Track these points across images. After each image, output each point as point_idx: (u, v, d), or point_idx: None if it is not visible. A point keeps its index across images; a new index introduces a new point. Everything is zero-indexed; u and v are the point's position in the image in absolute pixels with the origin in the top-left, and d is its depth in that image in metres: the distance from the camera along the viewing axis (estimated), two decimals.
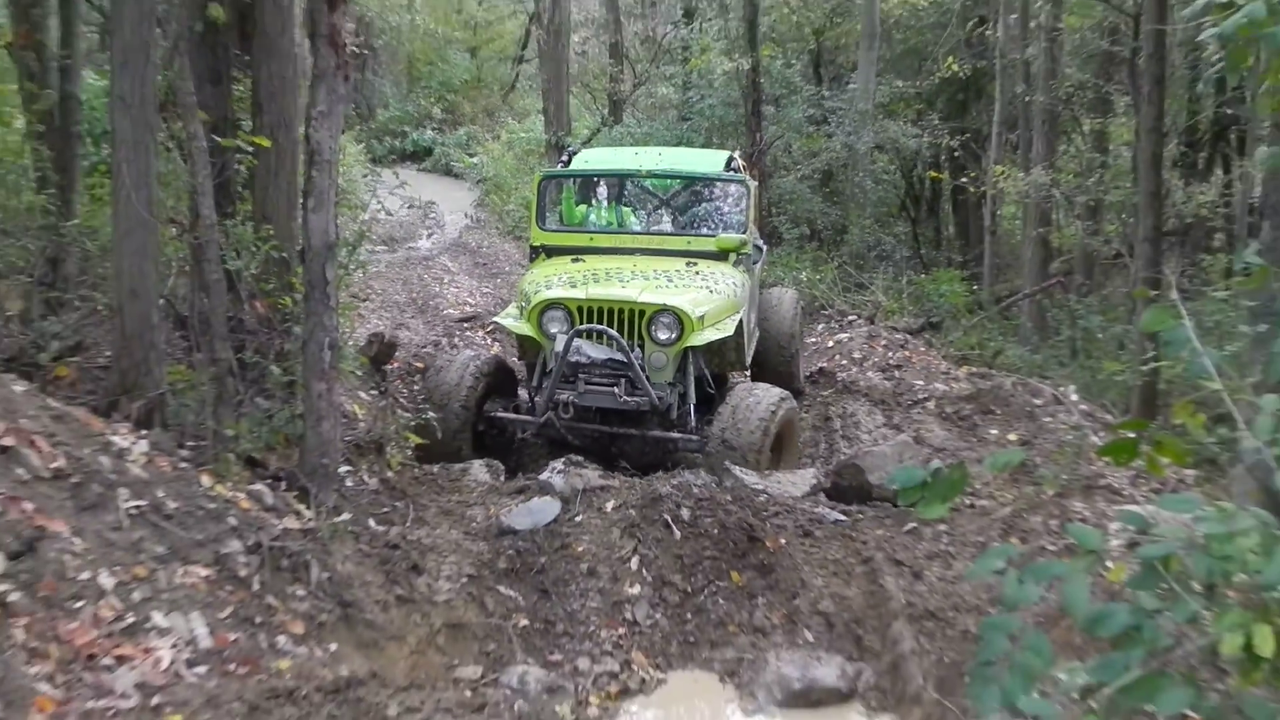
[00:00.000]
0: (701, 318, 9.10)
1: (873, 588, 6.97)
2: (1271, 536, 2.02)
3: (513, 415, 9.42)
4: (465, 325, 14.52)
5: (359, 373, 10.10)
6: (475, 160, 30.02)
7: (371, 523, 6.93)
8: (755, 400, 8.76)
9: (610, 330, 8.93)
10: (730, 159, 11.32)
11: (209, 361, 6.71)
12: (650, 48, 26.26)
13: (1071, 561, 2.27)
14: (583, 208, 11.03)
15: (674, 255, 10.17)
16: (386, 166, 26.02)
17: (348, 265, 9.06)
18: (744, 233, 10.38)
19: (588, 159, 11.81)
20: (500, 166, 27.25)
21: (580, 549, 7.07)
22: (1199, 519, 2.16)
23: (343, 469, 7.14)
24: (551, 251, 10.50)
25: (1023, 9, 17.38)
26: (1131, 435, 2.40)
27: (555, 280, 9.52)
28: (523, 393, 9.96)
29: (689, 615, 6.73)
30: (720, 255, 10.15)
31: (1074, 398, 11.59)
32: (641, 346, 8.99)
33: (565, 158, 11.76)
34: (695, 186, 11.31)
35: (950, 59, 19.55)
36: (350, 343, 10.26)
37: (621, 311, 9.00)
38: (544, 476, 7.92)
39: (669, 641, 6.54)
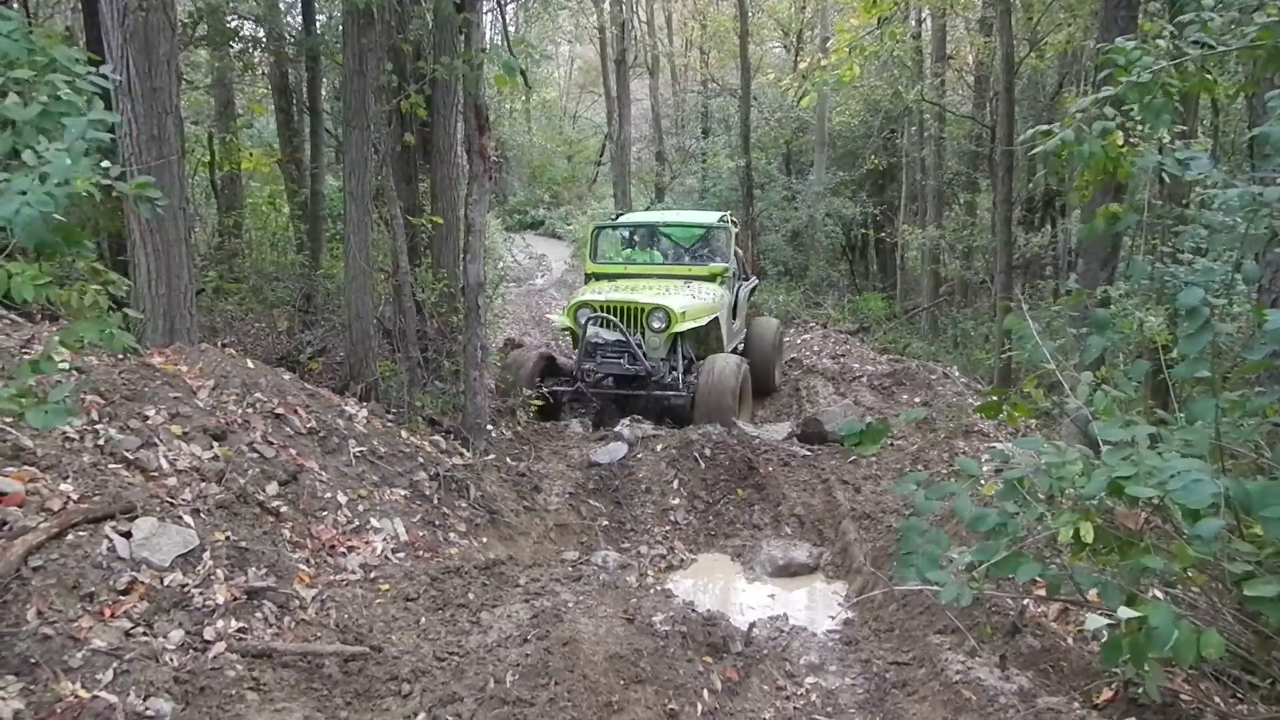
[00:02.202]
0: (684, 313, 8.82)
1: (829, 498, 6.88)
2: (1089, 465, 1.95)
3: (559, 387, 8.97)
4: (564, 333, 14.40)
5: (499, 364, 10.08)
6: (571, 227, 29.95)
7: (508, 460, 6.91)
8: (725, 364, 8.55)
9: (613, 319, 8.71)
10: (723, 215, 10.85)
11: (405, 358, 6.72)
12: (681, 154, 26.10)
13: (958, 483, 2.21)
14: (627, 252, 10.66)
15: (679, 279, 9.73)
16: (515, 233, 26.08)
17: (492, 297, 9.04)
18: (726, 262, 9.94)
19: (629, 218, 11.45)
20: (586, 230, 27.11)
21: (641, 475, 7.02)
22: (1042, 453, 2.10)
23: (489, 426, 7.11)
24: (600, 277, 10.05)
25: (919, 124, 17.11)
26: (995, 399, 2.35)
27: (588, 290, 9.37)
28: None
29: (710, 517, 6.68)
30: (710, 278, 9.75)
31: (956, 374, 11.40)
32: (642, 333, 8.76)
33: (614, 216, 11.44)
34: (698, 232, 10.66)
35: (873, 157, 19.27)
36: (493, 345, 10.28)
37: (628, 309, 8.79)
38: (617, 429, 7.87)
39: (698, 534, 6.50)
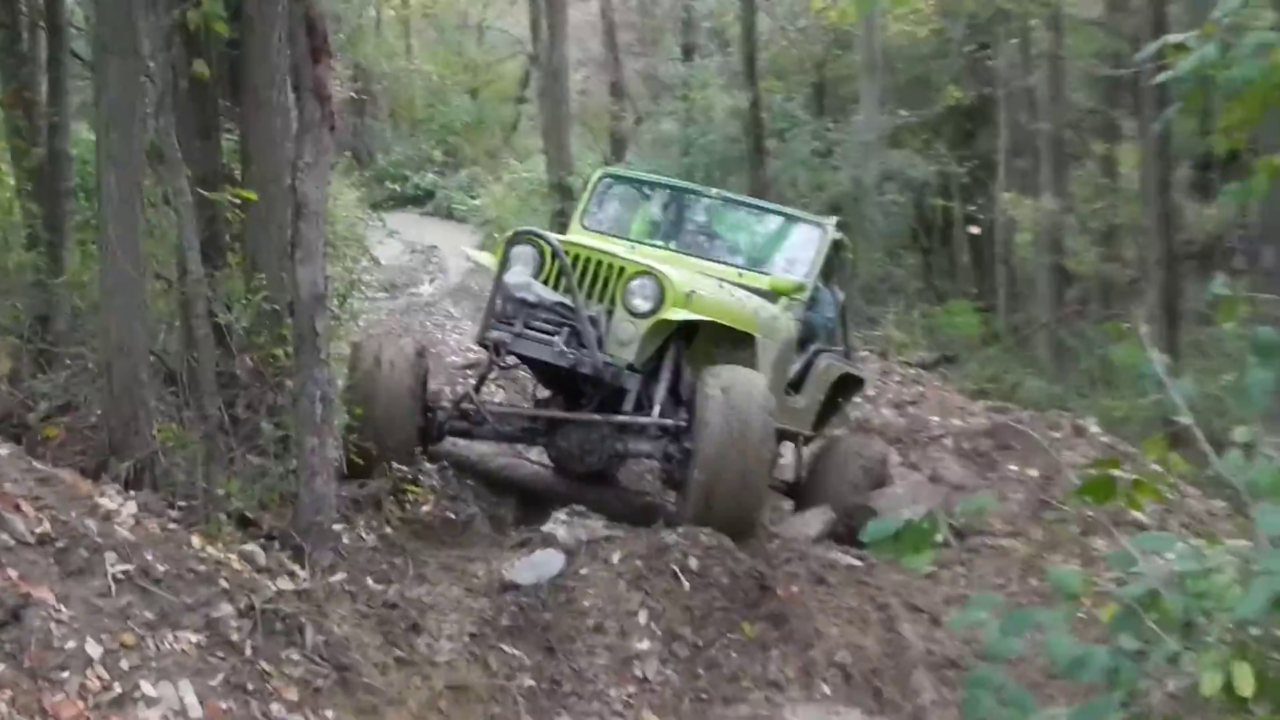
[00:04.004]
0: (690, 296, 8.09)
1: (890, 635, 6.95)
2: (1248, 572, 2.02)
3: (441, 404, 8.85)
4: (468, 371, 14.31)
5: (344, 390, 10.03)
6: (477, 202, 30.18)
7: (369, 581, 6.88)
8: (747, 383, 7.75)
9: (547, 235, 8.48)
10: (827, 219, 10.37)
11: (198, 418, 6.73)
12: (651, 85, 26.45)
13: (1052, 609, 2.28)
14: (639, 225, 10.35)
15: (715, 278, 9.04)
16: (386, 211, 26.16)
17: (340, 316, 9.05)
18: (803, 279, 9.41)
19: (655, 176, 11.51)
20: (503, 208, 27.35)
21: (587, 603, 7.01)
22: (1176, 556, 2.17)
23: (339, 526, 7.09)
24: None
25: (1023, 36, 17.46)
26: (1104, 475, 2.42)
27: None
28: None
29: (700, 670, 6.69)
30: (769, 295, 9.16)
31: (1094, 429, 11.57)
32: (610, 314, 8.15)
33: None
34: (763, 224, 10.39)
35: (952, 87, 19.61)
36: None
37: (599, 265, 8.29)
38: (547, 528, 7.85)
39: (679, 698, 6.50)
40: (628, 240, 9.77)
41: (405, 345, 9.08)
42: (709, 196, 10.52)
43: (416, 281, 21.83)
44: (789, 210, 10.57)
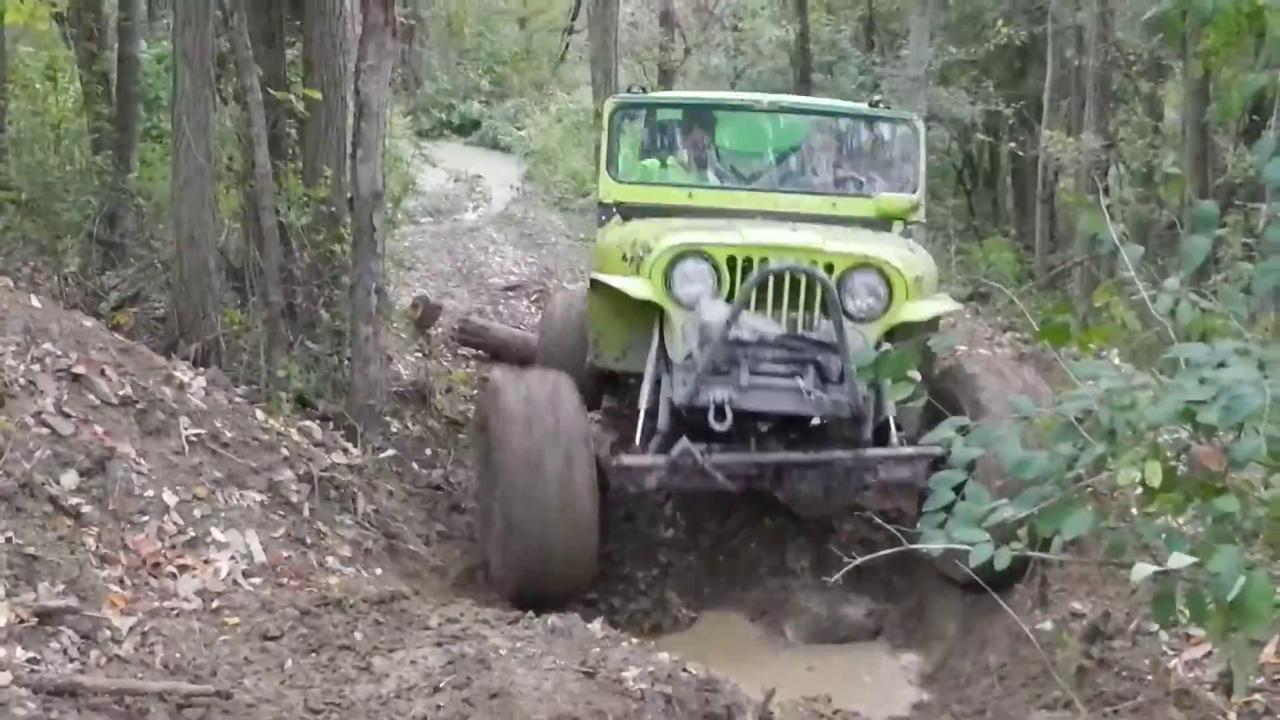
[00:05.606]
0: (919, 281, 6.60)
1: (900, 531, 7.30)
2: (1165, 390, 2.47)
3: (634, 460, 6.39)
4: (510, 293, 14.74)
5: (404, 335, 10.50)
6: (523, 133, 30.36)
7: (415, 465, 7.43)
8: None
9: (817, 271, 6.24)
10: (876, 103, 8.44)
11: (261, 305, 7.19)
12: (702, 17, 26.53)
13: (1007, 425, 2.74)
14: (653, 162, 8.19)
15: (813, 221, 7.16)
16: (430, 140, 26.43)
17: (394, 217, 9.41)
18: (915, 192, 7.62)
19: (681, 95, 9.92)
20: (548, 138, 27.55)
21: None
22: (1104, 378, 2.62)
23: (387, 417, 7.61)
24: (631, 212, 7.51)
25: None
26: (1061, 321, 2.86)
27: (684, 227, 6.88)
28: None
29: (721, 558, 7.14)
30: (882, 224, 7.48)
31: (1117, 362, 11.87)
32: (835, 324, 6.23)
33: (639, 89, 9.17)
34: (842, 133, 8.19)
35: (1003, 24, 19.65)
36: (395, 304, 10.72)
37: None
38: None
39: (700, 583, 6.96)
40: (678, 186, 7.78)
41: (567, 407, 6.28)
42: (758, 109, 8.06)
43: (461, 209, 22.10)
44: (869, 110, 8.15)
